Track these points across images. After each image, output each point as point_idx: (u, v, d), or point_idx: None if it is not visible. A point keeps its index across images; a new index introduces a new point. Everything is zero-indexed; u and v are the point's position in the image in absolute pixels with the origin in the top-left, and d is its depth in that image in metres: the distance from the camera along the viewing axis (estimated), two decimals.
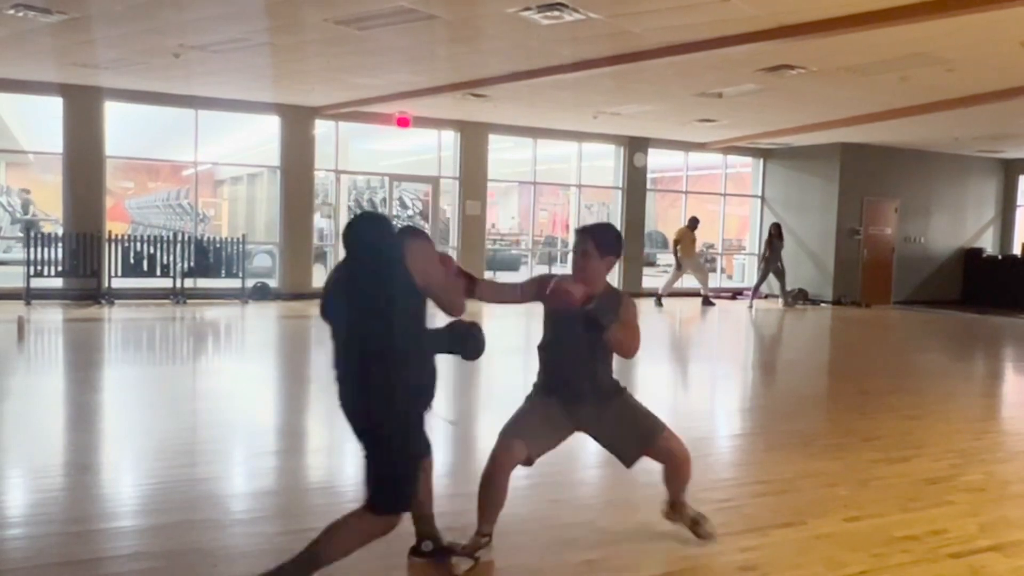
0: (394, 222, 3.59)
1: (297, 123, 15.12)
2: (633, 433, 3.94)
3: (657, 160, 18.88)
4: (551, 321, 3.97)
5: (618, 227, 18.63)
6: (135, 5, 8.42)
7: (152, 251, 14.15)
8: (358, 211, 24.94)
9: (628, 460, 3.99)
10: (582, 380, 3.87)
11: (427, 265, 3.35)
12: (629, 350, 3.78)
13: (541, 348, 4.02)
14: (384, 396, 3.20)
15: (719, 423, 7.37)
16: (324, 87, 12.92)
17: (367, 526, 3.26)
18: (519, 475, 5.09)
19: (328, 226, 17.56)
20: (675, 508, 4.09)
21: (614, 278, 15.18)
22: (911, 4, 7.38)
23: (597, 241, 3.81)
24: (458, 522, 4.07)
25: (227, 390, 7.96)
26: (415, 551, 3.80)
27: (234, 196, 23.89)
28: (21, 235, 14.84)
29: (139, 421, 6.54)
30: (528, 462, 3.87)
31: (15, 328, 10.38)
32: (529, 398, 4.03)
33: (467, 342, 3.74)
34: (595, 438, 4.03)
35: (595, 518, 4.39)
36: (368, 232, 3.37)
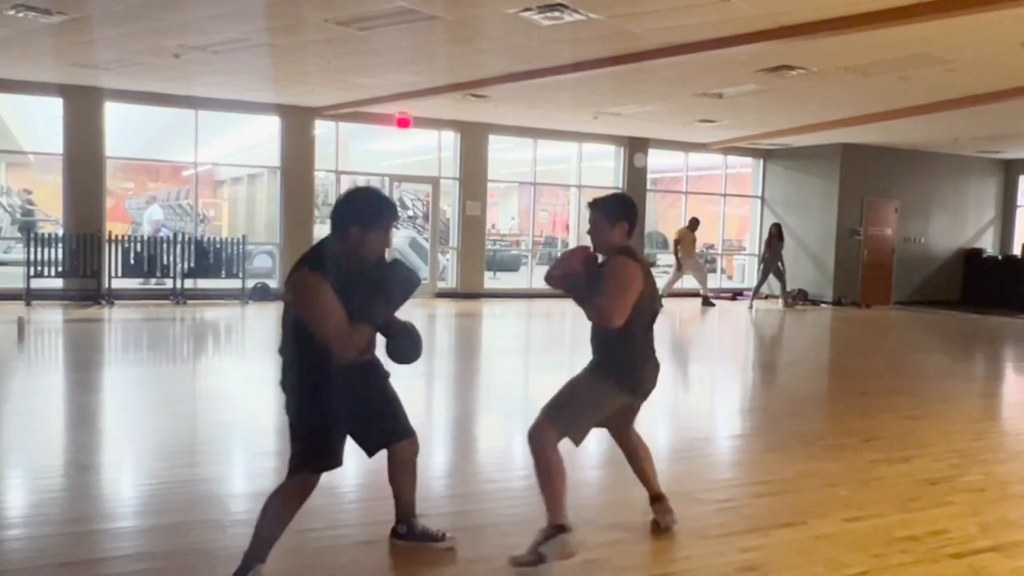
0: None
1: (297, 123, 15.12)
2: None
3: (657, 160, 18.88)
4: None
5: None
6: (135, 5, 8.42)
7: (152, 252, 14.15)
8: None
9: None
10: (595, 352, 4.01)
11: (302, 313, 3.28)
12: (601, 320, 3.76)
13: None
14: (292, 368, 3.44)
15: (719, 423, 7.37)
16: (324, 87, 12.92)
17: (287, 488, 3.48)
18: (519, 475, 5.10)
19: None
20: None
21: None
22: (911, 4, 7.39)
23: (601, 210, 3.97)
24: (458, 522, 4.07)
25: (227, 390, 7.96)
26: (394, 532, 3.92)
27: (234, 197, 23.88)
28: (21, 235, 14.82)
29: (139, 421, 6.54)
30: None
31: (15, 329, 10.39)
32: None
33: (400, 340, 3.65)
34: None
35: (595, 518, 4.38)
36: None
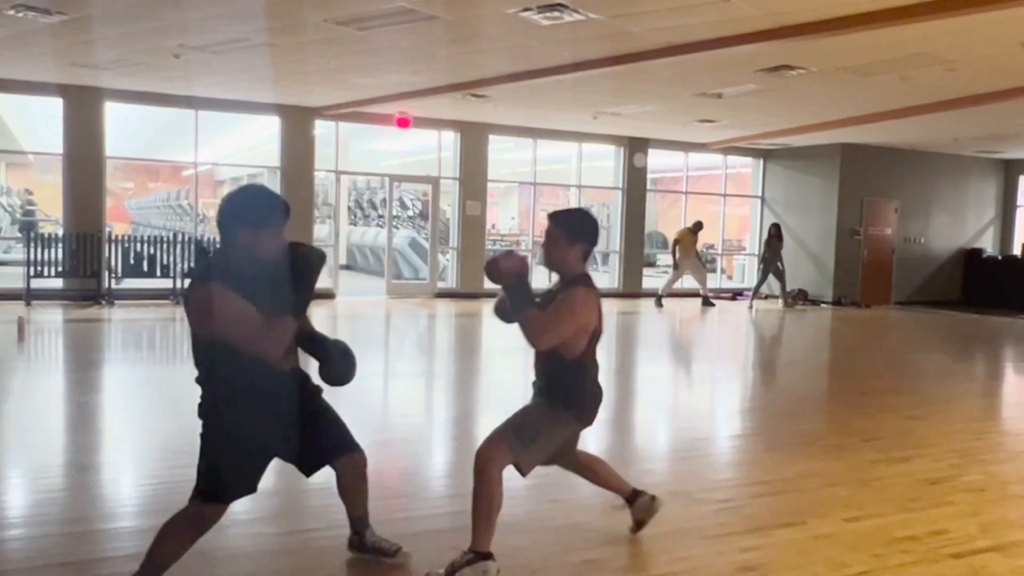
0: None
1: (297, 123, 15.12)
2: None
3: (657, 160, 18.88)
4: None
5: (618, 228, 18.46)
6: (135, 5, 8.42)
7: (152, 251, 14.15)
8: (358, 212, 25.12)
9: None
10: (536, 374, 3.84)
11: (213, 328, 3.07)
12: (531, 335, 3.52)
13: None
14: (207, 391, 3.27)
15: (719, 423, 7.37)
16: (324, 87, 12.92)
17: (190, 514, 3.35)
18: (519, 475, 5.09)
19: (328, 230, 17.58)
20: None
21: (615, 277, 15.20)
22: (911, 4, 7.39)
23: (562, 226, 3.71)
24: (458, 522, 4.06)
25: None
26: (349, 543, 3.82)
27: None
28: (21, 236, 14.82)
29: (139, 421, 6.54)
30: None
31: (15, 329, 10.39)
32: None
33: (332, 362, 3.46)
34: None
35: (595, 518, 4.38)
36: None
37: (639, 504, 4.10)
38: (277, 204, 3.23)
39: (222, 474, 3.26)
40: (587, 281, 3.71)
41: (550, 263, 3.75)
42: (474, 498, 3.57)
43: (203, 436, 3.29)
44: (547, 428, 3.69)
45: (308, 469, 3.59)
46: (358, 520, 3.76)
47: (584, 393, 3.76)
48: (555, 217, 3.75)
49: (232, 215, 3.16)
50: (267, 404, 3.27)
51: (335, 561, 3.81)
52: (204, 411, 3.28)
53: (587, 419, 3.82)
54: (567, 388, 3.72)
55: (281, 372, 3.28)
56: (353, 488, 3.67)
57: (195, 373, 3.25)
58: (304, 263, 3.18)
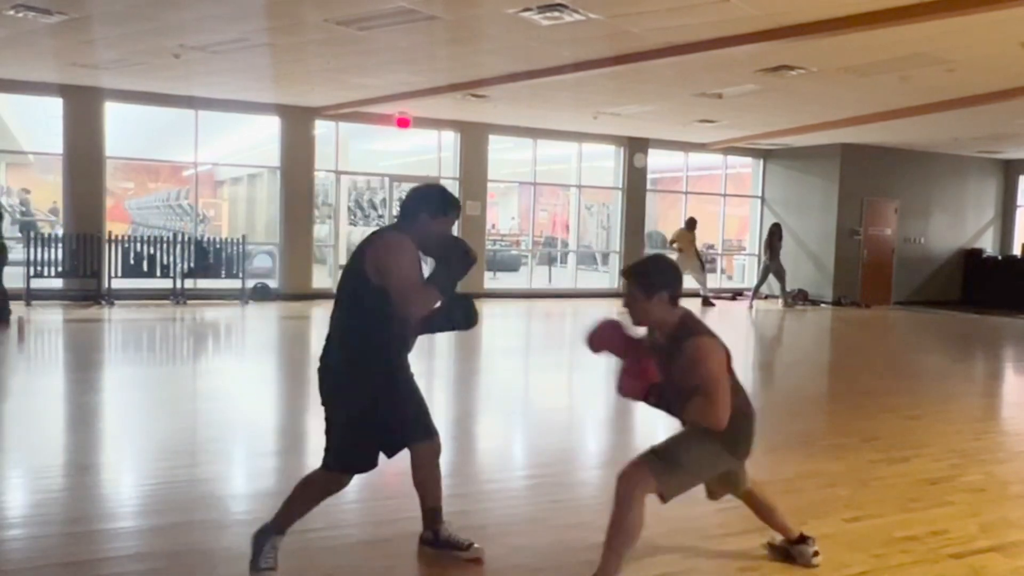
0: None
1: (297, 123, 15.13)
2: None
3: (657, 161, 18.88)
4: None
5: (618, 228, 18.44)
6: (135, 5, 8.42)
7: (152, 252, 14.15)
8: (358, 212, 25.12)
9: None
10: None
11: (386, 262, 3.40)
12: (711, 422, 3.39)
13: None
14: (330, 365, 3.59)
15: None
16: (324, 87, 12.92)
17: (318, 479, 3.64)
18: (519, 475, 5.10)
19: (328, 230, 17.57)
20: None
21: (615, 277, 15.18)
22: (911, 4, 7.39)
23: (634, 280, 3.50)
24: (458, 522, 4.06)
25: (227, 390, 7.96)
26: (422, 538, 3.89)
27: (234, 196, 23.89)
28: (21, 236, 14.81)
29: (139, 421, 6.54)
30: None
31: (15, 329, 10.38)
32: None
33: (454, 310, 3.71)
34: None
35: (595, 518, 4.38)
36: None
37: (799, 550, 3.85)
38: (455, 204, 3.64)
39: (352, 444, 3.55)
40: (698, 327, 3.48)
41: (639, 323, 3.56)
42: (610, 523, 3.40)
43: (334, 400, 3.56)
44: (697, 458, 3.52)
45: (390, 449, 3.70)
46: (433, 513, 3.83)
47: (741, 431, 3.59)
48: (626, 273, 3.56)
49: (418, 202, 3.59)
50: (390, 373, 3.57)
51: (335, 561, 3.81)
52: (332, 379, 3.57)
53: (743, 455, 3.68)
54: (734, 433, 3.55)
55: (405, 346, 3.64)
56: (429, 476, 3.79)
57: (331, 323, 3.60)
58: (462, 258, 3.48)
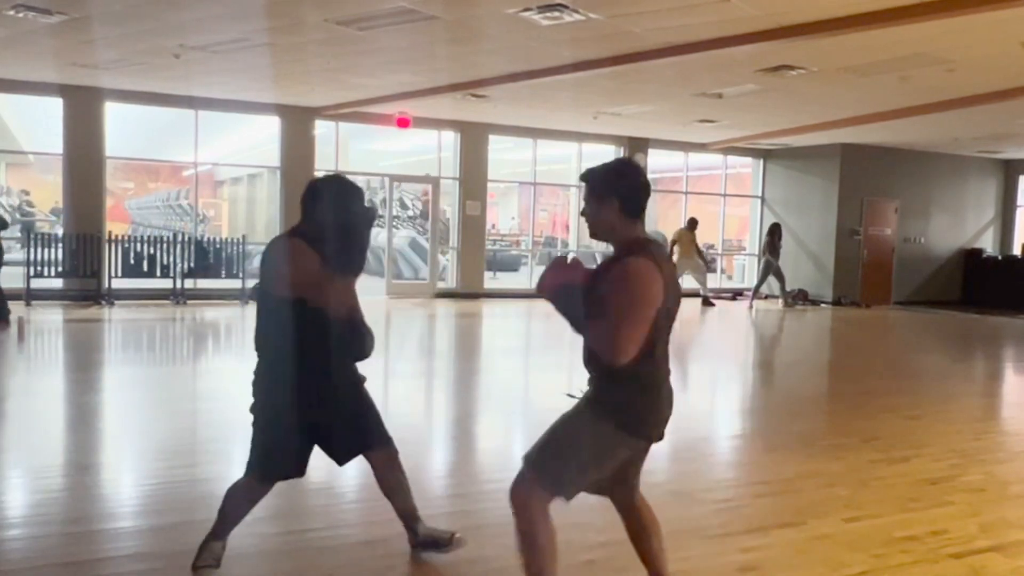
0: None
1: (297, 123, 15.12)
2: None
3: (657, 160, 18.87)
4: None
5: None
6: (135, 5, 8.42)
7: (152, 252, 14.15)
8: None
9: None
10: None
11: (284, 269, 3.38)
12: (597, 346, 2.86)
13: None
14: (257, 374, 3.54)
15: (719, 424, 7.37)
16: (324, 87, 12.92)
17: (240, 486, 3.63)
18: (512, 474, 5.09)
19: None
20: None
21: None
22: (911, 4, 7.39)
23: (589, 182, 3.02)
24: (458, 522, 4.06)
25: (227, 390, 7.95)
26: (410, 542, 3.87)
27: (234, 197, 23.91)
28: (21, 236, 14.82)
29: (139, 421, 6.54)
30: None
31: (15, 329, 10.38)
32: None
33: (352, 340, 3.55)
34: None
35: (595, 518, 4.38)
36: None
37: None
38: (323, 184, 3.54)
39: (268, 451, 3.50)
40: (640, 247, 2.90)
41: (592, 233, 3.06)
42: (519, 548, 3.01)
43: (258, 406, 3.52)
44: (587, 443, 2.99)
45: (342, 457, 3.69)
46: (407, 515, 3.81)
47: (640, 397, 2.97)
48: (582, 175, 3.08)
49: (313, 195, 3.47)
50: (320, 383, 3.44)
51: (335, 561, 3.81)
52: (255, 383, 3.53)
53: (645, 433, 3.02)
54: (614, 389, 2.96)
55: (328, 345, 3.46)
56: (393, 482, 3.75)
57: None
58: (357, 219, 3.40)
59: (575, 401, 3.10)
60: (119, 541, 4.03)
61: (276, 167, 15.49)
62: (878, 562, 3.91)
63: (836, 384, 9.64)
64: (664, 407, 3.03)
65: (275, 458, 3.50)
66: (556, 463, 3.00)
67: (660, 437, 3.06)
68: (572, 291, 2.90)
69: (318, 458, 5.94)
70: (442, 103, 13.90)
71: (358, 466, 5.51)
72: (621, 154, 18.02)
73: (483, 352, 11.30)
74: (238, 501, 3.61)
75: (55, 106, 13.67)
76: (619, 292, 2.80)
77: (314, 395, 3.43)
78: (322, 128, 15.50)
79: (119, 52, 10.68)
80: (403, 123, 15.30)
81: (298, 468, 3.56)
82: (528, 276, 18.53)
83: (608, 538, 4.14)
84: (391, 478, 3.75)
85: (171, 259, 14.18)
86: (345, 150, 16.85)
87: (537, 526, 2.96)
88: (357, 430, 3.62)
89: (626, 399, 2.95)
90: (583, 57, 10.02)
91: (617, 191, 2.94)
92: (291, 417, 3.41)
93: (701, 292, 16.89)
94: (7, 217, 12.90)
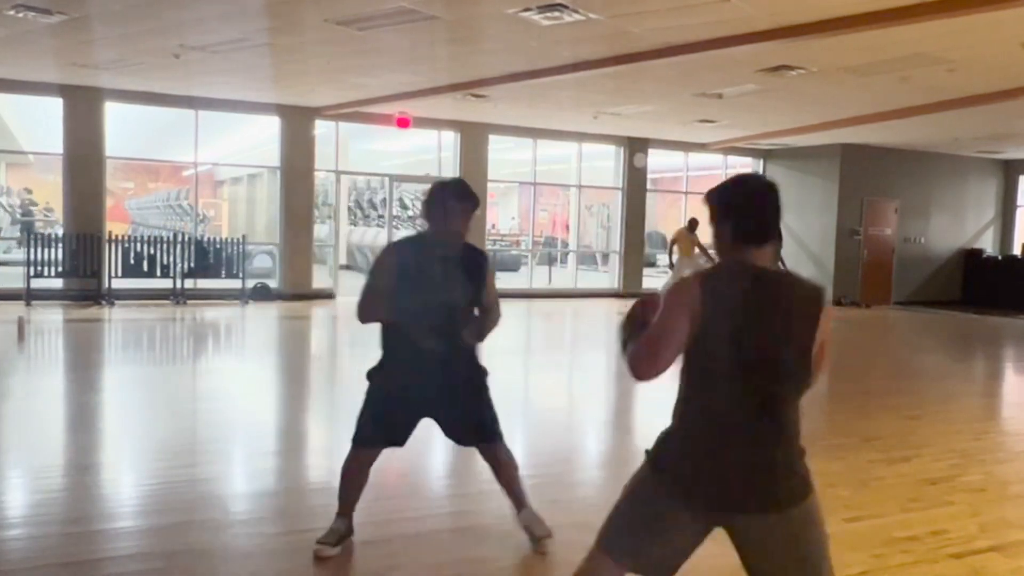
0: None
1: (297, 123, 15.12)
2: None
3: (657, 160, 18.88)
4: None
5: (618, 228, 18.36)
6: (135, 5, 8.42)
7: (152, 252, 14.15)
8: (358, 212, 25.12)
9: None
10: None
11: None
12: (627, 363, 2.49)
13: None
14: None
15: None
16: (324, 87, 12.92)
17: (350, 457, 3.91)
18: (519, 475, 5.08)
19: (328, 230, 17.57)
20: None
21: (615, 277, 15.09)
22: (911, 4, 7.38)
23: (707, 202, 2.63)
24: (458, 522, 4.07)
25: (227, 390, 7.96)
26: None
27: (234, 196, 23.91)
28: (21, 235, 14.82)
29: (139, 421, 6.54)
30: None
31: (15, 329, 10.39)
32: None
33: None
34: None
35: (595, 518, 4.37)
36: None
37: None
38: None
39: (369, 419, 3.82)
40: (700, 271, 2.51)
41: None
42: None
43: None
44: (637, 500, 2.55)
45: (456, 442, 4.02)
46: (514, 500, 4.02)
47: (679, 443, 2.45)
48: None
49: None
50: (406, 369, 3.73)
51: (335, 561, 3.81)
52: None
53: (682, 492, 2.42)
54: (663, 437, 2.50)
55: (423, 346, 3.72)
56: (500, 477, 3.98)
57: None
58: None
59: None
60: (119, 541, 4.03)
61: (276, 167, 15.48)
62: (878, 562, 3.91)
63: (836, 384, 9.63)
64: (729, 470, 2.37)
65: (365, 422, 3.81)
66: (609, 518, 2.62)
67: (721, 508, 2.40)
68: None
69: (315, 457, 5.95)
70: (442, 103, 13.89)
71: None
72: (621, 154, 18.04)
73: (483, 352, 11.30)
74: (349, 473, 3.87)
75: (55, 106, 13.67)
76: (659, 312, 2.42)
77: (423, 375, 3.66)
78: (322, 128, 15.50)
79: (119, 52, 10.68)
80: (403, 123, 15.29)
81: (385, 437, 3.82)
82: (528, 276, 18.53)
83: None
84: (495, 471, 3.97)
85: (171, 259, 14.18)
86: (345, 150, 16.86)
87: None
88: (458, 424, 3.87)
89: (667, 442, 2.50)
90: (583, 57, 10.01)
91: (728, 216, 2.52)
92: (392, 393, 3.73)
93: None
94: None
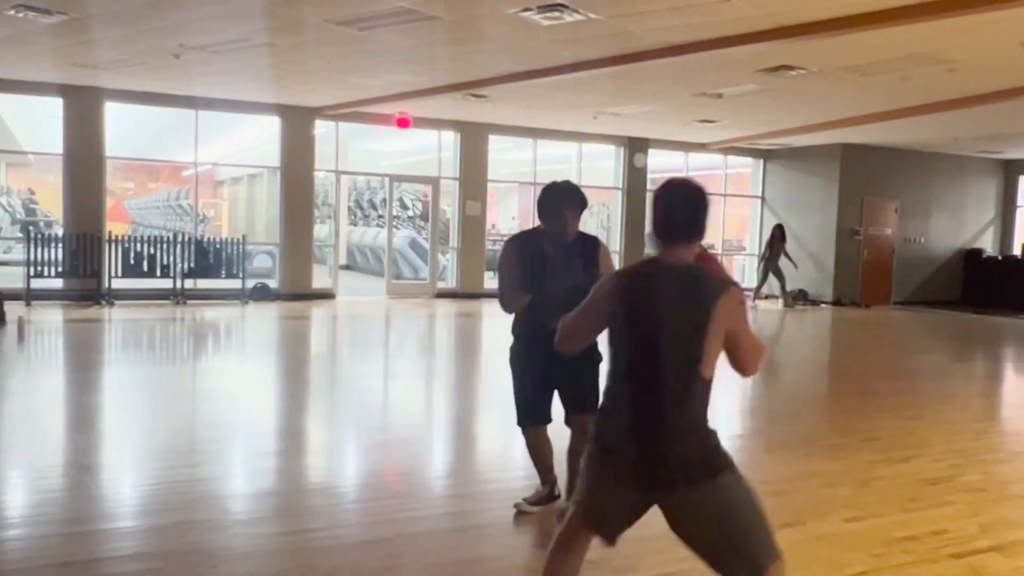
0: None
1: (297, 123, 15.12)
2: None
3: (657, 160, 18.87)
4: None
5: (618, 228, 18.43)
6: (135, 5, 8.42)
7: (152, 252, 14.15)
8: (358, 212, 25.13)
9: None
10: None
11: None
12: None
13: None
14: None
15: (719, 423, 7.32)
16: (324, 87, 12.92)
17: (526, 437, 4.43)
18: (519, 475, 5.09)
19: (328, 230, 17.56)
20: None
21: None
22: (911, 4, 7.39)
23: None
24: (458, 522, 4.07)
25: (227, 390, 7.96)
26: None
27: (234, 197, 23.90)
28: (21, 235, 14.82)
29: (139, 421, 6.53)
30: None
31: (15, 329, 10.38)
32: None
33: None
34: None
35: None
36: None
37: None
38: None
39: (516, 401, 4.36)
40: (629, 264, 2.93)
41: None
42: None
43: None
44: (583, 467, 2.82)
45: (576, 410, 4.28)
46: (569, 466, 4.24)
47: (602, 417, 2.76)
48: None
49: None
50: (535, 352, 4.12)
51: (335, 561, 3.81)
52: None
53: (607, 460, 2.70)
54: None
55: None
56: (575, 445, 4.17)
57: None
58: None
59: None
60: (119, 541, 4.03)
61: (276, 167, 15.48)
62: (878, 562, 3.91)
63: (836, 384, 9.64)
64: (620, 432, 2.67)
65: (520, 407, 4.33)
66: None
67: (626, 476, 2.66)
68: None
69: (315, 457, 5.94)
70: (442, 103, 13.90)
71: (357, 466, 5.52)
72: (621, 154, 18.04)
73: (483, 352, 11.29)
74: (533, 451, 4.39)
75: (55, 106, 13.67)
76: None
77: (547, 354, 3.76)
78: (322, 128, 15.50)
79: (119, 52, 10.68)
80: (403, 123, 15.29)
81: (540, 415, 4.31)
82: None
83: None
84: (576, 441, 4.17)
85: (171, 259, 14.17)
86: (345, 150, 16.86)
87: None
88: (566, 395, 4.28)
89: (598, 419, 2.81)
90: (583, 57, 10.01)
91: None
92: (528, 372, 4.24)
93: None
94: None
